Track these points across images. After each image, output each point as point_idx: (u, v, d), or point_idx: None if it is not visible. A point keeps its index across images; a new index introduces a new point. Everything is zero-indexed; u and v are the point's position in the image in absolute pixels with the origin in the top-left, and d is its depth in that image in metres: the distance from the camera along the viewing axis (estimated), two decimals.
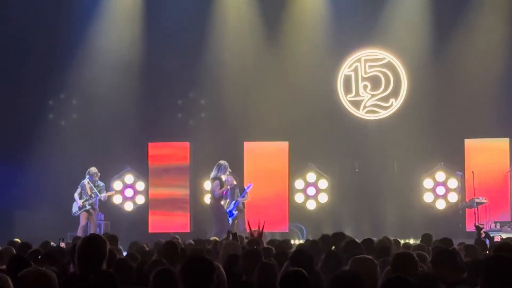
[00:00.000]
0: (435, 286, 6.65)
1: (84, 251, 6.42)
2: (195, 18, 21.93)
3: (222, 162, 19.22)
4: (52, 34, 21.69)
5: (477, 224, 14.05)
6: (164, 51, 21.90)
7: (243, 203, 19.74)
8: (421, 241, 12.45)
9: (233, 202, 19.75)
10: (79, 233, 18.71)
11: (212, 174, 19.17)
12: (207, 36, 21.99)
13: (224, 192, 19.16)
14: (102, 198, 19.68)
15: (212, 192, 19.26)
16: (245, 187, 19.83)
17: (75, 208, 19.67)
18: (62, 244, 13.16)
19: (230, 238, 11.52)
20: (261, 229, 10.14)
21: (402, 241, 13.83)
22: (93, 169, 19.78)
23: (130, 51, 22.14)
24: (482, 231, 12.61)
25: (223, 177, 19.07)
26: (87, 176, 19.69)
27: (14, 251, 10.61)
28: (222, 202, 19.76)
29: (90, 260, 6.35)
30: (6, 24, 21.69)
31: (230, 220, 19.81)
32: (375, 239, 11.54)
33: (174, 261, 8.45)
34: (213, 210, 19.19)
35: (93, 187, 19.55)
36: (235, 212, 19.76)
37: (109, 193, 20.23)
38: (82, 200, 19.55)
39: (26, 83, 21.93)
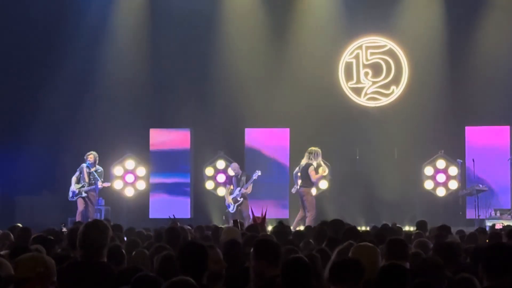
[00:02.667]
0: (440, 273, 6.66)
1: (86, 237, 6.41)
2: (199, 5, 21.92)
3: (313, 148, 19.01)
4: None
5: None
6: (167, 38, 21.91)
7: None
8: (416, 229, 12.52)
9: (238, 189, 19.80)
10: (78, 218, 18.70)
11: (304, 162, 18.90)
12: (210, 23, 21.97)
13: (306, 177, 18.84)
14: (99, 186, 19.63)
15: (306, 178, 18.84)
16: (253, 175, 19.85)
17: (71, 193, 19.57)
18: (64, 229, 13.20)
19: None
20: (264, 215, 10.17)
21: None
22: (93, 154, 19.73)
23: (134, 38, 22.14)
24: None
25: (315, 163, 18.92)
26: (87, 161, 19.65)
27: (12, 237, 10.63)
28: (226, 189, 19.98)
29: (91, 246, 6.36)
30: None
31: (234, 207, 19.87)
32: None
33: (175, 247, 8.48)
34: (308, 196, 18.91)
35: (93, 172, 19.50)
36: (240, 199, 19.80)
37: (105, 184, 20.00)
38: (79, 186, 19.46)
39: (27, 65, 21.93)
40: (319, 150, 18.92)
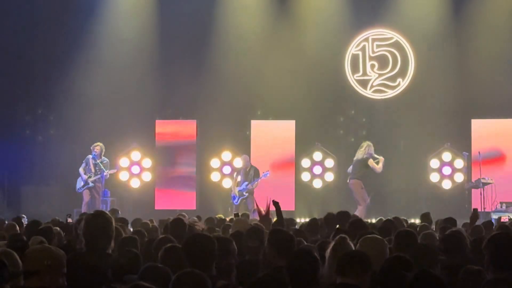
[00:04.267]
0: (434, 258, 6.66)
1: (90, 228, 6.41)
2: None
3: (369, 142, 19.29)
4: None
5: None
6: (172, 29, 21.89)
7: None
8: (421, 221, 12.52)
9: (245, 183, 19.84)
10: (83, 209, 18.75)
11: (365, 155, 19.12)
12: (216, 14, 21.95)
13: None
14: (106, 175, 19.70)
15: (359, 170, 19.07)
16: (262, 174, 19.89)
17: (79, 184, 19.70)
18: (69, 220, 13.20)
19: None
20: (268, 207, 10.17)
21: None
22: (99, 145, 19.79)
23: (140, 29, 22.13)
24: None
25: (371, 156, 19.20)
26: (93, 152, 19.70)
27: (18, 228, 10.64)
28: (233, 179, 20.25)
29: (96, 237, 6.36)
30: None
31: (239, 200, 19.91)
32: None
33: (181, 239, 8.47)
34: (358, 188, 19.05)
35: (98, 163, 19.55)
36: (245, 194, 19.84)
37: (111, 171, 20.13)
38: (87, 176, 19.57)
39: (35, 57, 21.95)
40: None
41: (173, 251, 6.54)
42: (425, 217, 12.63)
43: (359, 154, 19.23)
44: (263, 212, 10.00)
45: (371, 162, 19.00)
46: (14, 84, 22.01)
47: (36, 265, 5.24)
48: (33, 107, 22.48)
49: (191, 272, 5.14)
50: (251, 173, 19.93)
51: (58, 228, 9.71)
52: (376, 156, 19.19)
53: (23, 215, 13.95)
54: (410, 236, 7.44)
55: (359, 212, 18.11)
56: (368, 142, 19.28)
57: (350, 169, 19.43)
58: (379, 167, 19.09)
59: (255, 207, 11.34)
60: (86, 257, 6.29)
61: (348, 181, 19.30)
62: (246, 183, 19.87)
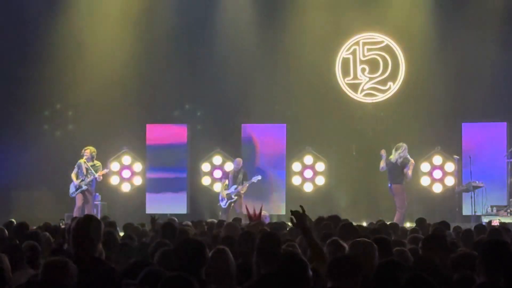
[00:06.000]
0: (430, 267, 6.67)
1: (78, 232, 6.40)
2: (195, 3, 21.93)
3: (405, 144, 18.93)
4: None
5: None
6: (164, 34, 21.86)
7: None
8: (416, 226, 12.54)
9: (234, 186, 19.85)
10: (75, 214, 18.69)
11: (402, 157, 18.78)
12: (206, 19, 21.93)
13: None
14: (97, 178, 19.64)
15: (400, 174, 18.78)
16: (253, 178, 19.91)
17: (72, 189, 19.66)
18: (62, 225, 13.17)
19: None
20: (258, 212, 10.16)
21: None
22: (89, 148, 19.74)
23: (130, 33, 22.07)
24: None
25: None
26: (84, 156, 19.66)
27: (7, 233, 10.60)
28: (221, 183, 20.28)
29: (84, 241, 6.34)
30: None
31: (227, 203, 19.92)
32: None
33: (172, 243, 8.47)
34: (402, 192, 18.83)
35: (89, 167, 19.52)
36: (234, 197, 19.85)
37: (103, 172, 20.01)
38: (79, 181, 19.52)
39: (23, 59, 21.89)
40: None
41: (169, 255, 6.56)
42: (420, 222, 12.65)
43: (397, 156, 18.86)
44: (254, 218, 10.00)
45: (410, 165, 18.77)
46: (3, 87, 21.94)
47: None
48: (23, 110, 22.36)
49: (179, 276, 5.14)
50: (239, 177, 19.96)
51: (47, 233, 9.68)
52: (409, 157, 19.04)
53: (13, 220, 13.89)
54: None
55: (397, 218, 17.93)
56: (404, 144, 19.09)
57: (383, 167, 19.02)
58: (410, 173, 18.88)
59: (246, 211, 11.31)
60: (74, 262, 6.26)
61: (389, 185, 18.85)
62: (235, 186, 19.88)
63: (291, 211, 7.00)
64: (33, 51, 21.81)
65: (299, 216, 6.94)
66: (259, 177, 20.00)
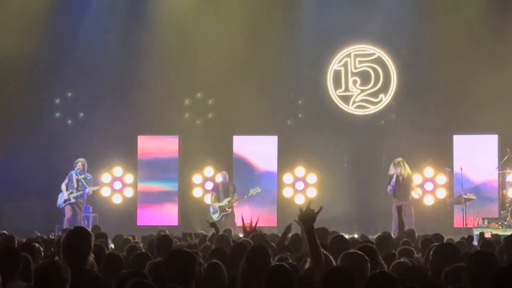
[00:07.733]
0: (423, 276, 6.67)
1: (68, 243, 6.39)
2: (183, 11, 21.89)
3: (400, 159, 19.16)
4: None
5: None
6: (155, 44, 21.84)
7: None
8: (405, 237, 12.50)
9: (227, 199, 19.86)
10: (65, 225, 18.68)
11: (403, 172, 19.04)
12: (195, 31, 21.90)
13: None
14: (88, 193, 19.60)
15: (409, 190, 19.04)
16: (250, 191, 19.96)
17: (60, 200, 19.61)
18: (52, 237, 13.14)
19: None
20: (254, 224, 10.14)
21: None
22: (81, 161, 19.71)
23: (121, 44, 22.04)
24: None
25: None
26: (76, 168, 19.62)
27: None
28: (211, 195, 20.32)
29: (74, 253, 6.33)
30: None
31: (220, 216, 19.88)
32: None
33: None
34: (411, 209, 18.86)
35: (80, 179, 19.49)
36: (228, 210, 19.85)
37: (94, 188, 20.06)
38: (68, 193, 19.48)
39: (15, 73, 21.84)
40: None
41: (159, 267, 6.53)
42: (409, 233, 12.64)
43: (403, 171, 19.03)
44: (248, 229, 9.98)
45: (414, 182, 18.95)
46: None
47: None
48: (13, 122, 22.31)
49: None
50: (230, 189, 19.99)
51: (36, 244, 9.63)
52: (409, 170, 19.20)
53: (4, 232, 13.81)
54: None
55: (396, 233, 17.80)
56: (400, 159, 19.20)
57: (389, 189, 19.07)
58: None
59: (242, 223, 11.29)
60: None
61: (404, 202, 17.90)
62: (229, 199, 19.87)
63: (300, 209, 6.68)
64: None
65: (310, 215, 6.67)
66: (259, 190, 20.04)
